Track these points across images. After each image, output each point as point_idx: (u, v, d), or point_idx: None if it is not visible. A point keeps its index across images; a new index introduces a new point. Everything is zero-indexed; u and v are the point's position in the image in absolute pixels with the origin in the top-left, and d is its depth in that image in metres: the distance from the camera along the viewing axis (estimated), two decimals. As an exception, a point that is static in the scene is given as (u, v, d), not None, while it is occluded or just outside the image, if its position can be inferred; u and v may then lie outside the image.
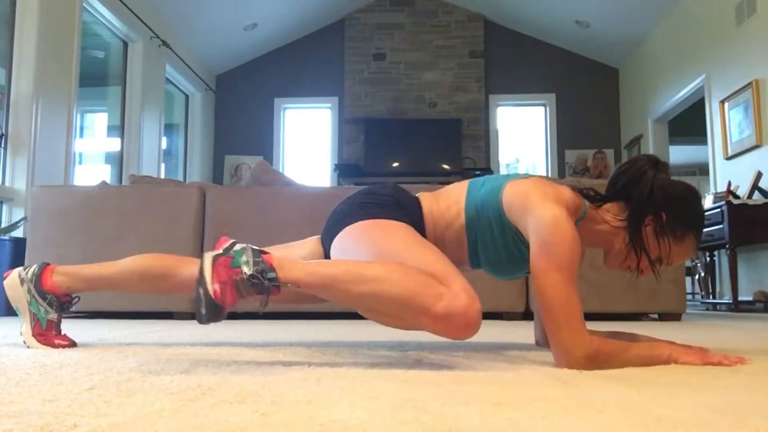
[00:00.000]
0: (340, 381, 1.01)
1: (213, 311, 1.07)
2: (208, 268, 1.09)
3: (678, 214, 1.30)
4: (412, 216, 1.39)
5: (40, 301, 1.45)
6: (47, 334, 1.46)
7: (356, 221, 1.35)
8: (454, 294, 1.14)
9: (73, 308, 1.55)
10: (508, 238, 1.36)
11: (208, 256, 1.12)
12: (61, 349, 1.45)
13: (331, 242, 1.40)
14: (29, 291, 1.45)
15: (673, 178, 1.35)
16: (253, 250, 1.15)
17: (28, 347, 1.45)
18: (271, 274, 1.12)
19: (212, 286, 1.07)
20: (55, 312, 1.47)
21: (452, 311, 1.13)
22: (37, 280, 1.46)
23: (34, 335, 1.45)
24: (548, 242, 1.21)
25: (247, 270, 1.11)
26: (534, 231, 1.25)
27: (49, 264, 1.50)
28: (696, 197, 1.35)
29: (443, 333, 1.15)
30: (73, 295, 1.52)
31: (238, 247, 1.15)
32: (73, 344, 1.50)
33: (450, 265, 1.23)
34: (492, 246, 1.39)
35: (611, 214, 1.36)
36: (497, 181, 1.40)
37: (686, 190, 1.33)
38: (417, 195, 1.48)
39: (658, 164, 1.33)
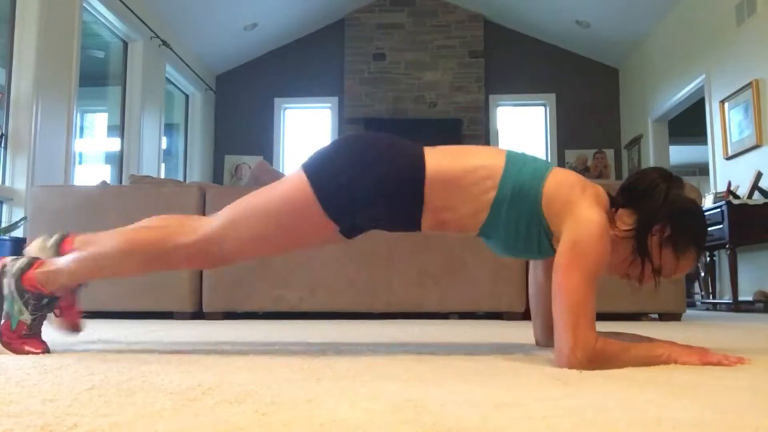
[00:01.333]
0: (340, 381, 1.01)
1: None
2: None
3: (684, 227, 1.30)
4: (399, 173, 1.29)
5: (17, 298, 1.33)
6: (13, 337, 1.33)
7: (299, 168, 1.36)
8: (193, 229, 1.30)
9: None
10: (533, 229, 1.31)
11: None
12: (30, 354, 1.31)
13: None
14: (9, 285, 1.34)
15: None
16: (16, 282, 1.27)
17: None
18: (45, 300, 1.22)
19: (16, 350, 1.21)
20: (30, 315, 1.33)
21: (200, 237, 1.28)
22: (19, 275, 1.35)
23: (1, 334, 1.34)
24: (582, 243, 1.21)
25: (26, 319, 1.20)
26: (571, 227, 1.24)
27: (38, 259, 1.40)
28: (701, 214, 1.36)
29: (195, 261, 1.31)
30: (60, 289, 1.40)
31: (5, 290, 1.24)
32: (45, 350, 1.35)
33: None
34: (513, 230, 1.32)
35: (619, 221, 1.35)
36: (539, 164, 1.33)
37: (694, 205, 1.34)
38: (423, 148, 1.35)
39: (672, 178, 1.34)
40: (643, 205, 1.32)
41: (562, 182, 1.30)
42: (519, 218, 1.31)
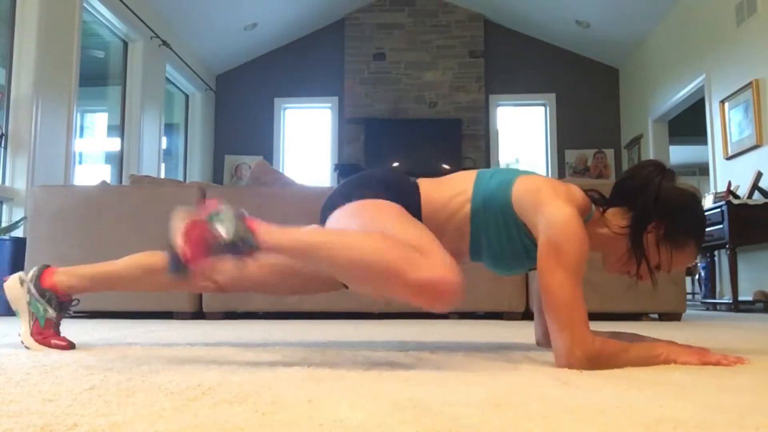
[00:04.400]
0: (340, 381, 1.01)
1: (177, 268, 1.10)
2: (179, 226, 1.10)
3: (680, 222, 1.30)
4: (408, 201, 1.37)
5: (39, 299, 1.43)
6: (45, 332, 1.44)
7: (348, 202, 1.35)
8: (432, 263, 1.14)
9: (73, 310, 1.53)
10: (513, 233, 1.34)
11: (179, 215, 1.12)
12: (58, 350, 1.43)
13: (325, 221, 1.41)
14: (29, 290, 1.44)
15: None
16: (233, 215, 1.14)
17: (27, 348, 1.44)
18: (250, 239, 1.12)
19: (179, 243, 1.09)
20: (53, 311, 1.45)
21: (430, 279, 1.11)
22: (37, 280, 1.45)
23: (32, 335, 1.43)
24: (557, 241, 1.21)
25: (225, 234, 1.10)
26: (544, 228, 1.24)
27: (49, 266, 1.49)
28: (698, 205, 1.35)
29: (420, 300, 1.14)
30: (73, 297, 1.50)
31: (220, 208, 1.14)
32: (71, 346, 1.47)
33: (434, 240, 1.22)
34: (496, 239, 1.37)
35: (614, 219, 1.35)
36: (507, 175, 1.38)
37: (689, 197, 1.33)
38: (416, 180, 1.45)
39: (664, 171, 1.32)
40: (636, 202, 1.32)
41: (528, 187, 1.32)
42: (497, 225, 1.35)
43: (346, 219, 1.33)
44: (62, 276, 1.46)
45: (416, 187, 1.42)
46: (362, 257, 1.14)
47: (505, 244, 1.37)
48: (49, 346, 1.43)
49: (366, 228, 1.27)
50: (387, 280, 1.14)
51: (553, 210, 1.25)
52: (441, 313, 1.23)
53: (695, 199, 1.34)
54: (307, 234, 1.19)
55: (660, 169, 1.33)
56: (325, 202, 1.46)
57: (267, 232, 1.15)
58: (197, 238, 1.09)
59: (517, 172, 1.39)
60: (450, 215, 1.39)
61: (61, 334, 1.48)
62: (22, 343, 1.44)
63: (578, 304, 1.18)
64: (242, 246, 1.11)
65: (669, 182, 1.32)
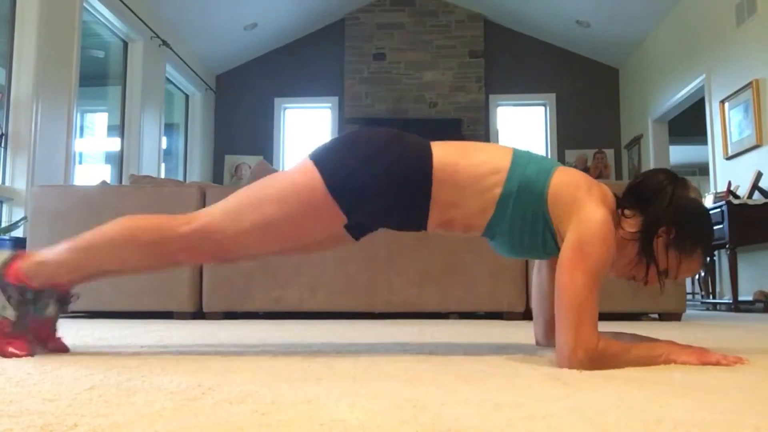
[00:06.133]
0: (340, 381, 1.01)
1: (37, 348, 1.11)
2: None
3: (690, 229, 1.30)
4: (406, 165, 1.27)
5: None
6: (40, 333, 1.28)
7: (305, 158, 1.33)
8: (193, 219, 1.24)
9: (71, 311, 1.38)
10: (538, 227, 1.31)
11: None
12: (13, 357, 1.21)
13: None
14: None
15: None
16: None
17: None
18: (29, 294, 1.10)
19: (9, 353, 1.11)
20: (13, 309, 1.23)
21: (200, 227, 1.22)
22: (2, 269, 1.26)
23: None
24: (587, 242, 1.20)
25: (9, 315, 1.07)
26: (576, 227, 1.23)
27: (25, 253, 1.31)
28: (708, 216, 1.36)
29: (195, 255, 1.24)
30: (72, 292, 1.34)
31: None
32: (29, 354, 1.23)
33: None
34: (518, 228, 1.31)
35: (625, 224, 1.34)
36: (545, 164, 1.32)
37: (700, 207, 1.35)
38: (431, 144, 1.34)
39: (677, 180, 1.33)
40: (649, 207, 1.32)
41: (567, 181, 1.29)
42: (524, 216, 1.30)
43: (259, 182, 1.33)
44: (28, 262, 1.28)
45: (427, 150, 1.31)
46: (132, 235, 1.23)
47: (527, 235, 1.32)
48: (2, 354, 1.23)
49: (247, 195, 1.30)
50: (161, 245, 1.24)
51: (589, 211, 1.23)
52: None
53: (705, 209, 1.36)
54: (67, 245, 1.23)
55: (673, 177, 1.34)
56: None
57: (35, 275, 1.19)
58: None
59: (555, 162, 1.35)
60: (477, 192, 1.29)
61: (23, 334, 1.27)
62: None
63: (591, 306, 1.18)
64: (36, 303, 1.10)
65: (682, 190, 1.32)
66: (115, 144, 6.23)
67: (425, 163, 1.28)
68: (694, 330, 2.40)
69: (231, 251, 1.32)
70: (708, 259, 5.69)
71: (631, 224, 1.34)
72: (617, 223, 1.33)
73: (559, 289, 1.20)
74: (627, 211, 1.35)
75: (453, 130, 7.83)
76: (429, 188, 1.28)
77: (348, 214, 1.30)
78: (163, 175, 7.03)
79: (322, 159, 1.29)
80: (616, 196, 1.38)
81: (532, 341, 1.70)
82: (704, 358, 1.23)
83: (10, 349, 1.21)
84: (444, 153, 1.30)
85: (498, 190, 1.28)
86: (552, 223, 1.30)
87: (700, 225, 1.33)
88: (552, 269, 1.52)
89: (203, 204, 3.21)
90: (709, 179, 5.80)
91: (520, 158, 1.32)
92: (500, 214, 1.30)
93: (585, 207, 1.25)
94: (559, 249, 1.30)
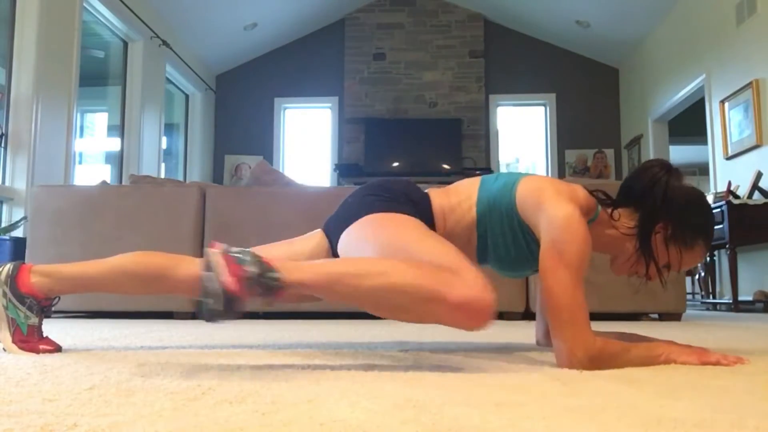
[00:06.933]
0: (340, 381, 1.01)
1: (229, 305, 1.02)
2: (220, 261, 1.03)
3: (688, 221, 1.29)
4: (423, 211, 1.38)
5: (19, 305, 1.31)
6: (29, 339, 1.33)
7: (366, 214, 1.33)
8: (464, 281, 1.11)
9: (67, 309, 1.46)
10: (518, 235, 1.35)
11: (214, 251, 1.05)
12: (46, 354, 1.33)
13: (338, 235, 1.37)
14: (4, 294, 1.30)
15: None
16: (251, 253, 1.09)
17: (8, 353, 1.31)
18: (274, 275, 1.09)
19: (227, 278, 1.01)
20: (36, 317, 1.33)
21: (467, 298, 1.08)
22: (13, 282, 1.31)
23: (15, 342, 1.31)
24: (559, 240, 1.21)
25: (254, 269, 1.05)
26: (546, 228, 1.25)
27: (24, 263, 1.36)
28: (705, 204, 1.34)
29: (458, 321, 1.11)
30: (53, 297, 1.39)
31: (235, 249, 1.08)
32: (58, 349, 1.38)
33: (461, 256, 1.20)
34: (501, 242, 1.38)
35: (622, 220, 1.35)
36: (511, 177, 1.39)
37: (696, 197, 1.32)
38: (426, 191, 1.47)
39: (671, 170, 1.32)
40: (644, 203, 1.32)
41: (532, 187, 1.33)
42: (503, 230, 1.36)
43: (364, 234, 1.30)
44: (41, 278, 1.34)
45: (428, 198, 1.43)
46: (391, 283, 1.09)
47: (511, 246, 1.37)
48: (37, 351, 1.33)
49: (387, 244, 1.24)
50: (422, 304, 1.09)
51: (554, 209, 1.25)
52: (475, 331, 1.20)
53: (703, 198, 1.34)
54: (327, 266, 1.14)
55: (666, 168, 1.33)
56: (338, 211, 1.43)
57: (286, 269, 1.10)
58: (239, 272, 1.03)
59: (521, 175, 1.39)
60: (456, 221, 1.40)
61: (45, 335, 1.38)
62: (4, 349, 1.32)
63: (580, 303, 1.18)
64: (270, 282, 1.06)
65: (676, 181, 1.31)
66: (115, 144, 6.23)
67: (429, 212, 1.41)
68: (694, 330, 2.40)
69: None
70: (709, 254, 5.70)
71: (628, 220, 1.34)
72: (610, 221, 1.35)
73: (546, 293, 1.21)
74: (623, 209, 1.35)
75: (453, 131, 7.83)
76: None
77: None
78: (163, 175, 7.03)
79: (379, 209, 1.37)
80: (606, 194, 1.40)
81: (532, 341, 1.70)
82: (704, 358, 1.23)
83: (42, 347, 1.35)
84: (434, 198, 1.43)
85: (473, 213, 1.39)
86: (530, 231, 1.34)
87: (698, 216, 1.31)
88: None
89: (203, 204, 3.21)
90: (709, 179, 5.80)
91: (486, 181, 1.42)
92: (482, 235, 1.39)
93: (549, 207, 1.26)
94: None
